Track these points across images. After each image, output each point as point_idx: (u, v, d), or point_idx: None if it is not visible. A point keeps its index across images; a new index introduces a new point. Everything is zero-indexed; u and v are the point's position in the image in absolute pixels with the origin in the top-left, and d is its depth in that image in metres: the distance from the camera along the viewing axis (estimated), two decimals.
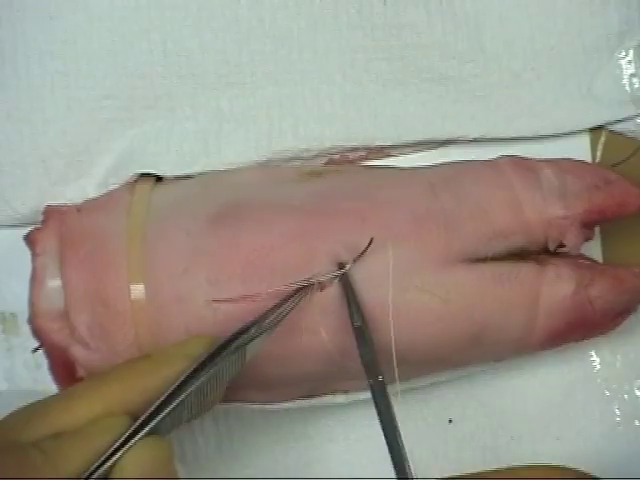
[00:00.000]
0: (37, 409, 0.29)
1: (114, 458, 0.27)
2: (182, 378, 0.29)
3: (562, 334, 0.37)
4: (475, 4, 0.41)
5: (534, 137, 0.41)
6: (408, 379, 0.39)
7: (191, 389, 0.29)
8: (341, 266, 0.34)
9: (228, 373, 0.30)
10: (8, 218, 0.40)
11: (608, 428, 0.42)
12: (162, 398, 0.28)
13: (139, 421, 0.28)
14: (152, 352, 0.32)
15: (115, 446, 0.27)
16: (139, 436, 0.27)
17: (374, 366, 0.32)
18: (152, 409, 0.28)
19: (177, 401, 0.28)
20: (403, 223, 0.35)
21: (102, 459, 0.27)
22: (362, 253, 0.34)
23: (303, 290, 0.33)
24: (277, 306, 0.32)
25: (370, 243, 0.34)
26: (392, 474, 0.31)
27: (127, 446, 0.27)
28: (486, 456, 0.42)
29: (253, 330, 0.31)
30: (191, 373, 0.29)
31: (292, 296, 0.33)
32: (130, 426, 0.28)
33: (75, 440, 0.27)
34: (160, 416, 0.28)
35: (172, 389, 0.29)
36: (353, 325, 0.33)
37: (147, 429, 0.28)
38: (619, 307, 0.38)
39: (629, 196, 0.37)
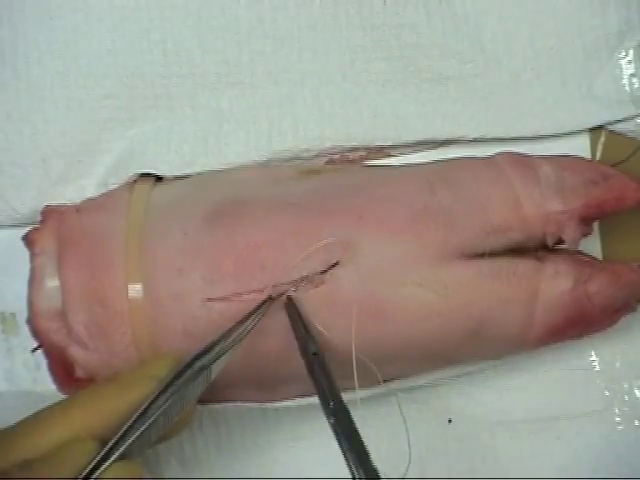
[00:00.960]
0: (4, 436, 0.28)
1: None
2: (149, 401, 0.29)
3: (560, 330, 0.37)
4: (475, 4, 0.41)
5: (534, 137, 0.41)
6: (407, 376, 0.39)
7: (159, 412, 0.28)
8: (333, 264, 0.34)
9: (194, 393, 0.30)
10: (8, 218, 0.40)
11: (608, 428, 0.42)
12: (130, 422, 0.28)
13: (108, 446, 0.27)
14: (118, 375, 0.31)
15: (85, 472, 0.27)
16: (109, 462, 0.27)
17: (334, 393, 0.31)
18: (120, 433, 0.28)
19: (146, 424, 0.28)
20: (400, 219, 0.35)
21: None
22: (329, 268, 0.33)
23: (265, 305, 0.33)
24: (240, 323, 0.32)
25: (335, 264, 0.34)
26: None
27: (97, 472, 0.27)
28: (486, 456, 0.42)
29: (217, 349, 0.31)
30: (157, 394, 0.29)
31: (254, 312, 0.32)
32: (98, 450, 0.27)
33: (44, 467, 0.27)
34: (129, 441, 0.28)
35: (140, 412, 0.28)
36: (306, 352, 0.32)
37: (117, 454, 0.27)
38: (617, 303, 0.38)
39: (627, 190, 0.37)
